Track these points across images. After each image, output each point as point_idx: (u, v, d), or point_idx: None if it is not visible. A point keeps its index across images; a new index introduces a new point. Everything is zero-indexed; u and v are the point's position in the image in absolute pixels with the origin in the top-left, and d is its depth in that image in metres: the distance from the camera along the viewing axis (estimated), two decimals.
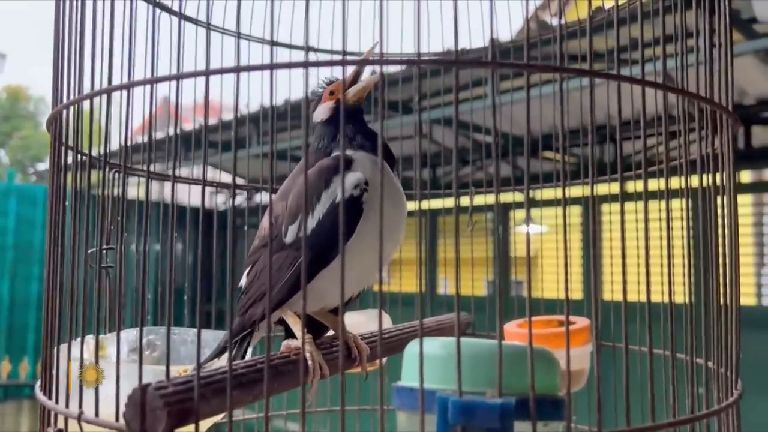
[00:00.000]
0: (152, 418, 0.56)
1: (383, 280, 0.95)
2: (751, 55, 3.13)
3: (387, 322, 1.20)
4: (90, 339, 0.70)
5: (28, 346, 7.03)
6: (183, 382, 0.59)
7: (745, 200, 4.17)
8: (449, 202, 1.51)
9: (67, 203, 0.74)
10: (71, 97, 0.75)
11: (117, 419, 0.60)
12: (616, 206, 1.07)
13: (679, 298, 0.70)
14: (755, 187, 4.24)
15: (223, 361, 0.93)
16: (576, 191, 1.20)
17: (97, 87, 0.70)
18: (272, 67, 0.59)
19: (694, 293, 0.77)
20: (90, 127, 0.70)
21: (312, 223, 0.86)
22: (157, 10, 0.81)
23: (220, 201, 5.84)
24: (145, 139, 0.75)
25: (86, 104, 0.72)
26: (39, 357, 6.56)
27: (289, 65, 0.60)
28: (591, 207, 0.63)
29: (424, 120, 4.15)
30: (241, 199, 5.93)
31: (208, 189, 1.36)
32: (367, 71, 0.97)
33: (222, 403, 0.63)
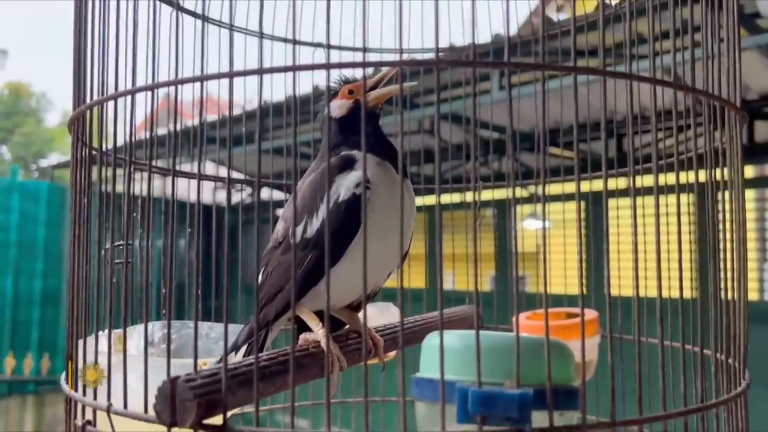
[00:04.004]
0: (182, 409, 0.58)
1: (391, 276, 0.97)
2: (755, 51, 3.13)
3: (397, 316, 1.22)
4: (113, 333, 0.72)
5: (32, 341, 7.06)
6: (210, 374, 0.61)
7: (747, 195, 4.17)
8: (454, 198, 1.53)
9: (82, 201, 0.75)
10: (93, 98, 0.76)
11: (145, 411, 0.62)
12: (616, 201, 1.08)
13: (686, 292, 0.72)
14: (758, 183, 4.25)
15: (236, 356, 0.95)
16: (580, 186, 1.20)
17: (106, 90, 0.72)
18: (294, 69, 0.60)
19: (700, 286, 0.78)
20: (114, 127, 0.71)
21: (317, 223, 0.86)
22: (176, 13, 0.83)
23: (224, 197, 5.85)
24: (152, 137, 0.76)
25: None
26: (43, 353, 6.54)
27: (311, 67, 0.61)
28: (605, 201, 0.65)
29: (428, 115, 4.14)
30: (245, 195, 5.95)
31: (214, 185, 1.38)
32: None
33: (247, 395, 0.65)
